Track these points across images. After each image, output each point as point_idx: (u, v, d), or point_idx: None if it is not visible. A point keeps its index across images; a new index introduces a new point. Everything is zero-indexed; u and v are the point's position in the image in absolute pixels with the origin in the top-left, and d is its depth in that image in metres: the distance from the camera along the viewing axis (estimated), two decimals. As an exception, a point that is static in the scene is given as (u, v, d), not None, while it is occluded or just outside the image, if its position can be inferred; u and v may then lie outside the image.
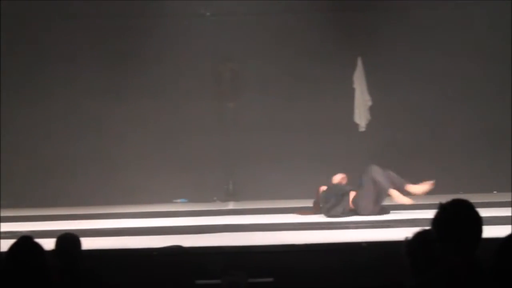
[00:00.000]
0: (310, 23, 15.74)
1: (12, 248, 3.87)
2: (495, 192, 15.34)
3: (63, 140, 15.73)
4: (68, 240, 6.05)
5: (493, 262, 3.06)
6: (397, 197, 11.88)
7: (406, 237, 4.60)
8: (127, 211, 13.75)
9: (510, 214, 11.23)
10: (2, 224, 10.65)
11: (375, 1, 15.65)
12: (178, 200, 15.77)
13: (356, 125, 16.01)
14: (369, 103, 15.99)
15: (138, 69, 15.73)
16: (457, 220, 3.71)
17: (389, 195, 11.91)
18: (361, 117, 15.99)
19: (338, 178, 12.52)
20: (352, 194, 12.03)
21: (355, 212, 11.87)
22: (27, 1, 15.40)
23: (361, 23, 15.83)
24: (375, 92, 15.89)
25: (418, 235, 4.54)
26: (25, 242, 3.86)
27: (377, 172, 11.87)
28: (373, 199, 11.86)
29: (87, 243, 6.68)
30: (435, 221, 3.79)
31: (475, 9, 15.70)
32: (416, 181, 14.94)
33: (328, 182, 12.61)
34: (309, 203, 14.27)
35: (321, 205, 12.15)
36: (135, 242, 9.05)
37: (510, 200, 13.67)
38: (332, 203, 11.97)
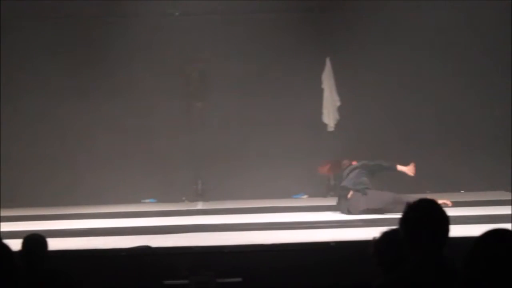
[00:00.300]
0: (278, 23, 15.76)
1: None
2: (462, 191, 15.45)
3: (31, 141, 15.63)
4: (35, 241, 6.01)
5: (465, 261, 3.07)
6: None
7: (374, 237, 4.62)
8: (96, 212, 13.69)
9: (477, 214, 11.35)
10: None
11: (343, 1, 15.69)
12: (147, 200, 15.71)
13: (324, 125, 16.04)
14: (338, 103, 16.03)
15: (106, 69, 15.65)
16: (424, 219, 3.73)
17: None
18: (329, 117, 16.03)
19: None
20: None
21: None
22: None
23: (330, 23, 15.87)
24: (344, 92, 15.94)
25: (385, 235, 4.55)
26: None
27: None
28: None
29: (55, 244, 6.65)
30: (402, 220, 3.80)
31: (441, 9, 15.77)
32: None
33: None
34: (278, 203, 14.32)
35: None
36: (103, 243, 9.02)
37: (477, 199, 13.83)
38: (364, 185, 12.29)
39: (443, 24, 15.78)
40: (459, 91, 15.88)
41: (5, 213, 13.53)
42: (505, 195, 14.50)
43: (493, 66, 15.81)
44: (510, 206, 11.96)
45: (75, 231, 10.77)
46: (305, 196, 15.75)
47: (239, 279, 7.28)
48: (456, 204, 11.75)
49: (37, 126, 15.67)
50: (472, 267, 3.00)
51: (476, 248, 3.03)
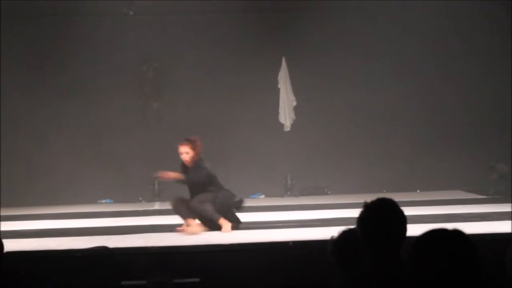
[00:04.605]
0: (234, 23, 15.76)
1: None
2: (418, 191, 15.58)
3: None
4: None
5: (408, 260, 3.09)
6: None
7: (332, 236, 4.62)
8: (51, 212, 13.57)
9: (434, 213, 11.45)
10: None
11: (298, 1, 15.73)
12: (103, 201, 15.61)
13: (281, 125, 16.07)
14: (294, 103, 16.07)
15: (60, 68, 15.54)
16: (382, 219, 3.73)
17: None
18: (286, 117, 16.06)
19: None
20: None
21: None
22: None
23: (286, 23, 15.90)
24: (300, 92, 15.97)
25: (343, 234, 4.55)
26: None
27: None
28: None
29: (8, 245, 6.55)
30: (360, 220, 3.80)
31: (401, 9, 15.88)
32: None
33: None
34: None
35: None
36: (58, 243, 8.93)
37: (433, 199, 13.96)
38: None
39: (406, 21, 15.89)
40: (416, 91, 16.02)
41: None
42: (462, 195, 14.68)
43: (456, 67, 15.98)
44: (465, 206, 12.12)
45: (28, 232, 10.66)
46: (262, 196, 15.76)
47: (196, 279, 7.25)
48: (413, 203, 11.84)
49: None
50: (413, 267, 3.02)
51: (415, 248, 3.05)
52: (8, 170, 15.35)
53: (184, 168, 10.47)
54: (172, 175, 10.42)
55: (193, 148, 10.35)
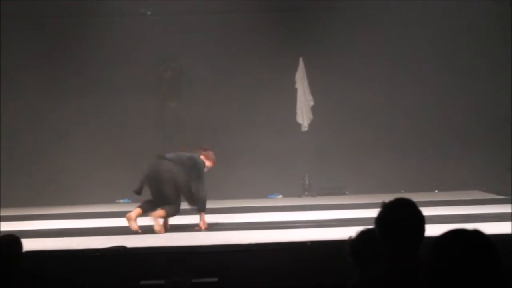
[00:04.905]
0: (252, 23, 15.77)
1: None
2: (436, 191, 15.54)
3: (4, 141, 15.51)
4: (9, 242, 5.96)
5: (426, 261, 3.08)
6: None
7: (350, 236, 4.62)
8: (69, 212, 13.62)
9: (452, 213, 11.41)
10: None
11: (316, 1, 15.74)
12: (121, 201, 15.65)
13: (298, 125, 16.06)
14: (311, 103, 16.06)
15: (78, 68, 15.61)
16: (400, 219, 3.73)
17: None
18: (303, 117, 16.05)
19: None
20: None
21: None
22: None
23: (303, 23, 15.91)
24: (317, 92, 15.97)
25: (361, 234, 4.55)
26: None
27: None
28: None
29: (28, 244, 6.60)
30: (378, 220, 3.80)
31: (420, 10, 15.86)
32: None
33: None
34: (253, 203, 14.33)
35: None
36: (78, 243, 8.98)
37: (451, 199, 13.91)
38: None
39: (420, 21, 15.87)
40: (434, 91, 15.98)
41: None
42: (480, 195, 14.62)
43: (470, 66, 15.91)
44: (484, 206, 12.07)
45: (48, 231, 10.71)
46: (280, 196, 15.76)
47: (215, 279, 7.27)
48: (431, 203, 11.80)
49: (8, 127, 15.56)
50: (432, 267, 3.02)
51: (434, 248, 3.04)
52: (27, 169, 15.45)
53: None
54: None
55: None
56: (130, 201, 15.69)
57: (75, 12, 15.68)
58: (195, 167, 10.51)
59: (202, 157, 10.73)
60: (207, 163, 10.78)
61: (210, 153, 10.85)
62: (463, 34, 15.87)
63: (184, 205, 10.60)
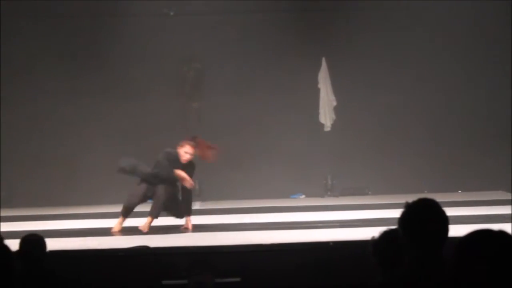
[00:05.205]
0: (274, 23, 15.76)
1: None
2: (459, 191, 15.47)
3: (28, 141, 15.61)
4: (33, 241, 6.00)
5: (452, 261, 3.07)
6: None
7: (373, 237, 4.61)
8: (92, 212, 13.67)
9: (475, 213, 11.36)
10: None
11: (339, 1, 15.71)
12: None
13: (321, 125, 16.04)
14: (334, 103, 16.03)
15: (101, 68, 15.65)
16: (424, 219, 3.71)
17: None
18: (326, 117, 16.03)
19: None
20: None
21: None
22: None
23: (326, 23, 15.88)
24: (340, 92, 15.94)
25: (384, 234, 4.55)
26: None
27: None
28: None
29: (52, 244, 6.63)
30: (401, 220, 3.79)
31: (441, 8, 15.77)
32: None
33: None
34: (275, 203, 14.33)
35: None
36: (100, 243, 9.01)
37: (475, 199, 13.85)
38: None
39: (442, 23, 15.80)
40: (458, 89, 15.90)
41: (3, 213, 13.54)
42: (504, 195, 14.52)
43: (493, 64, 15.81)
44: (510, 206, 11.99)
45: (71, 231, 10.76)
46: (303, 196, 15.75)
47: (237, 279, 7.27)
48: (454, 204, 11.75)
49: (34, 126, 15.66)
50: (457, 267, 3.00)
51: (459, 249, 3.03)
52: (51, 170, 15.52)
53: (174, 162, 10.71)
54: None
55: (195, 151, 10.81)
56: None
57: (98, 12, 15.73)
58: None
59: (188, 147, 10.66)
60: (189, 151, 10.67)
61: (194, 142, 10.81)
62: (493, 33, 15.77)
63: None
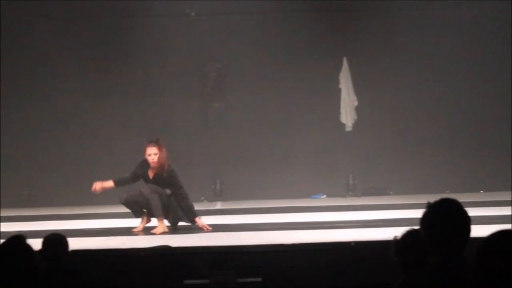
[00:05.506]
0: (295, 23, 15.76)
1: (2, 247, 3.84)
2: (481, 191, 15.39)
3: (50, 141, 15.69)
4: (55, 241, 6.02)
5: (475, 261, 3.06)
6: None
7: (395, 237, 4.61)
8: (114, 211, 13.71)
9: (497, 214, 11.30)
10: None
11: (360, 1, 15.68)
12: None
13: (342, 125, 16.03)
14: (355, 103, 16.02)
15: (123, 70, 15.72)
16: (446, 219, 3.70)
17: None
18: (347, 117, 16.01)
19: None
20: None
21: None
22: (10, 1, 15.32)
23: (347, 22, 15.85)
24: (361, 92, 15.92)
25: (406, 235, 4.54)
26: (16, 242, 3.84)
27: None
28: None
29: (74, 244, 6.66)
30: (423, 220, 3.78)
31: (461, 10, 15.72)
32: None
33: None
34: (296, 203, 14.32)
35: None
36: (122, 242, 9.04)
37: (497, 199, 13.76)
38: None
39: (461, 23, 15.74)
40: (480, 90, 15.84)
41: (24, 212, 13.62)
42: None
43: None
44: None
45: (93, 230, 10.80)
46: (324, 196, 15.74)
47: (258, 279, 7.27)
48: (476, 204, 11.68)
49: (56, 127, 15.74)
50: (480, 268, 2.99)
51: (483, 249, 3.02)
52: (73, 170, 15.59)
53: (143, 168, 10.67)
54: (106, 184, 10.85)
55: (160, 149, 10.60)
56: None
57: (119, 13, 15.79)
58: None
59: (160, 152, 10.61)
60: (150, 151, 10.64)
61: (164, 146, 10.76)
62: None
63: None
